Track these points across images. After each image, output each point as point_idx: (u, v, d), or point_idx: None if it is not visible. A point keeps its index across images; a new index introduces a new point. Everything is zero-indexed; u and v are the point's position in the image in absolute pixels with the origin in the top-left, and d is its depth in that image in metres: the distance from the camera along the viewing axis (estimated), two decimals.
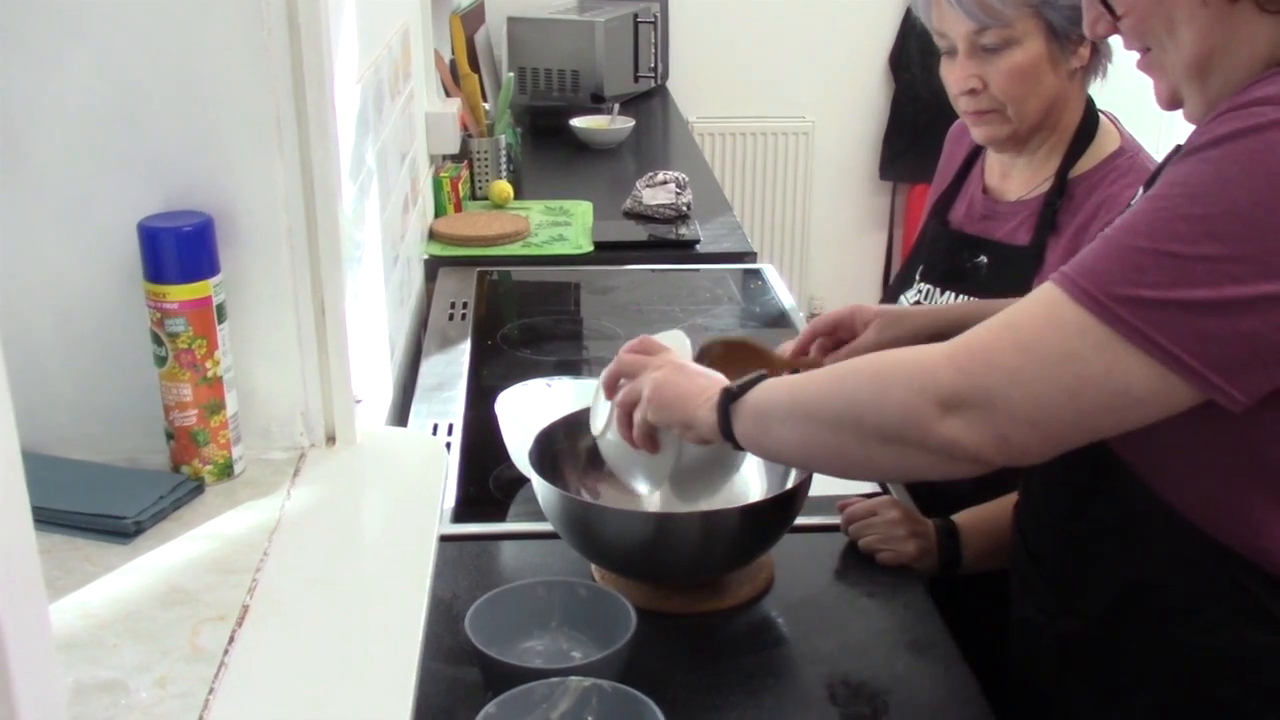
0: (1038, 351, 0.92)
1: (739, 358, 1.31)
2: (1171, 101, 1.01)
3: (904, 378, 0.97)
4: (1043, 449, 0.95)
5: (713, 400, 1.10)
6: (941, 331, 1.40)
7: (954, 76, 1.52)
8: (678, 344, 1.26)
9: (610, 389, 1.23)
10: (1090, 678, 1.09)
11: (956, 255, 1.61)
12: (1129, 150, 1.53)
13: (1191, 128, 1.09)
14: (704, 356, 1.32)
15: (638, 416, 1.17)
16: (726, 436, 1.10)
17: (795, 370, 1.30)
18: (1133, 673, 1.06)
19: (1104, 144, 1.54)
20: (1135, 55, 1.04)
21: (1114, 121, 1.58)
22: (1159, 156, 1.19)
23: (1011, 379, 0.92)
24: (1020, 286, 1.38)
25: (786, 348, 1.40)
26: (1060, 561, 1.11)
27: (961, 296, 1.56)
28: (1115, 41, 1.52)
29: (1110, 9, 1.00)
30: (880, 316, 1.37)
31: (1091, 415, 0.93)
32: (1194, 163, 0.91)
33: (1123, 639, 1.06)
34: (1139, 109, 1.76)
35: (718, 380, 1.14)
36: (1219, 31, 0.94)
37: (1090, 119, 1.55)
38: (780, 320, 2.10)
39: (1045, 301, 0.93)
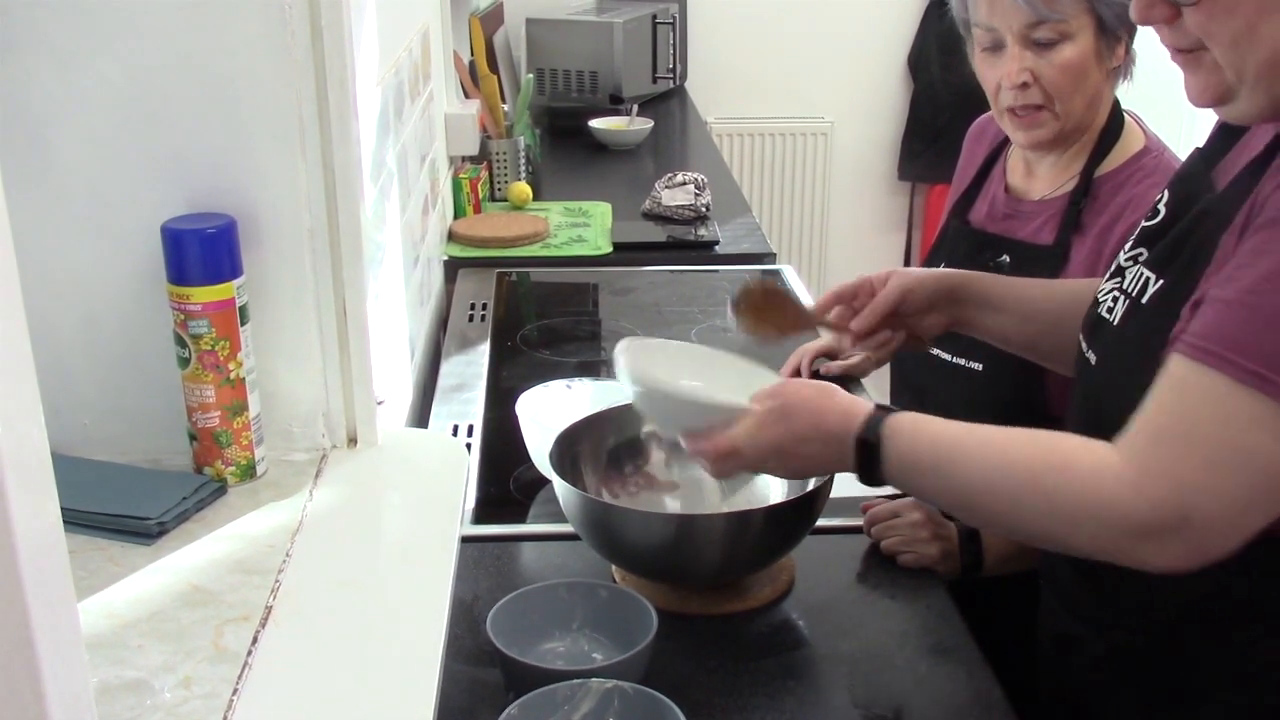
0: (1222, 460, 0.89)
1: (773, 306, 1.38)
2: (1219, 98, 0.95)
3: (1090, 516, 0.94)
4: (1237, 545, 0.92)
5: (850, 466, 1.08)
6: (955, 302, 1.35)
7: (1002, 71, 1.50)
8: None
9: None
10: (1149, 691, 1.07)
11: (978, 255, 1.60)
12: (1154, 150, 1.53)
13: (1209, 126, 1.07)
14: (742, 300, 1.36)
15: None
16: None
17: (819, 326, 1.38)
18: (1197, 683, 1.03)
19: (1129, 143, 1.53)
20: (1152, 58, 1.00)
21: (1138, 121, 1.57)
22: (1183, 156, 1.18)
23: (1205, 495, 0.89)
24: None
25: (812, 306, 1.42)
26: (1115, 575, 1.07)
27: None
28: (1139, 43, 1.50)
29: None
30: (896, 275, 1.37)
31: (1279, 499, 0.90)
32: None
33: (1187, 650, 1.03)
34: (1160, 110, 1.76)
35: (826, 453, 1.09)
36: None
37: (1116, 118, 1.54)
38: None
39: (1209, 392, 0.89)
